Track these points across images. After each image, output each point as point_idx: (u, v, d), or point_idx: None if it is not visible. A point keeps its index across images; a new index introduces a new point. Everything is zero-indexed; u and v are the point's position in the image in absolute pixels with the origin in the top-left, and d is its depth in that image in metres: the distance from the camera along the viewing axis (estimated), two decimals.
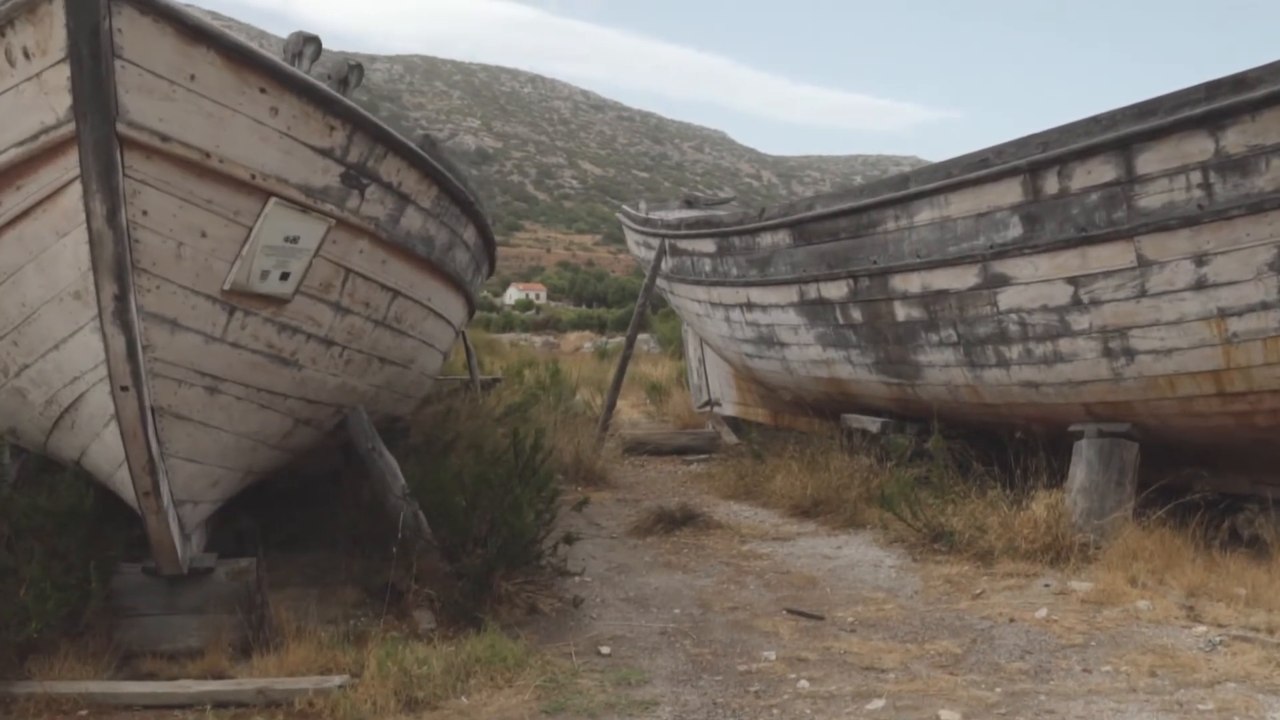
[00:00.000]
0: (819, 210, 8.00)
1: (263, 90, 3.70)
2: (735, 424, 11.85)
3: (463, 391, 10.77)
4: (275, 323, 4.29)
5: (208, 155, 3.62)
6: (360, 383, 5.34)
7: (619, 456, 10.52)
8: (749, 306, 9.38)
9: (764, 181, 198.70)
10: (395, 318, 5.27)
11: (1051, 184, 5.97)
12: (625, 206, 13.55)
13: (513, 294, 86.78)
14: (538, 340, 37.97)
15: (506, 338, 36.07)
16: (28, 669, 4.10)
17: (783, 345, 9.11)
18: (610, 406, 11.60)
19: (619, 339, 32.59)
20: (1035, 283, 6.22)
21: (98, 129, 3.26)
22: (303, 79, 3.84)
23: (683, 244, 10.52)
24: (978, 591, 5.53)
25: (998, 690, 4.08)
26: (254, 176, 3.79)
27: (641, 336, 34.69)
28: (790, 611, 5.31)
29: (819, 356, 8.60)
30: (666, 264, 11.11)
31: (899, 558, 6.37)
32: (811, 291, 8.28)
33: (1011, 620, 5.01)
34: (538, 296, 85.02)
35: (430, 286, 5.61)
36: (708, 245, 9.89)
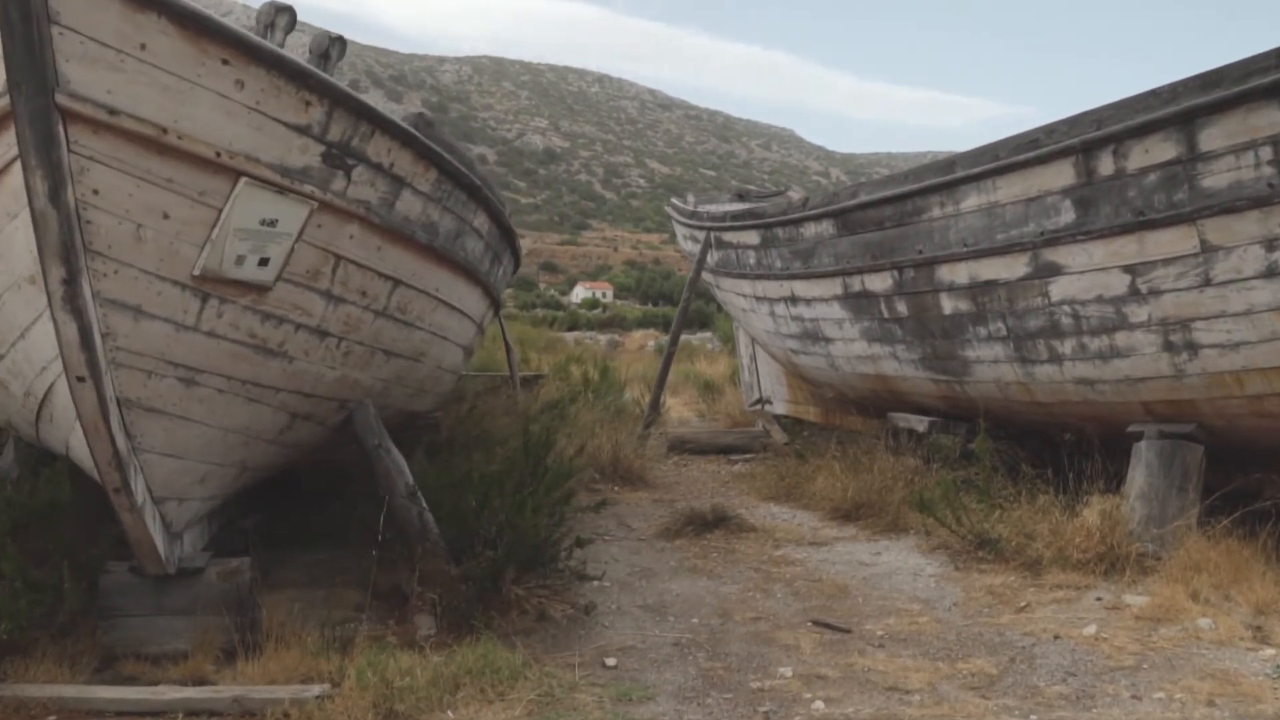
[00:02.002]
0: (862, 198, 7.61)
1: (225, 62, 3.46)
2: (786, 423, 11.47)
3: (503, 388, 10.59)
4: (257, 311, 4.06)
5: (164, 131, 3.38)
6: (364, 376, 5.11)
7: (662, 455, 10.22)
8: (793, 300, 9.01)
9: (833, 179, 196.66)
10: (398, 308, 5.02)
11: (1106, 164, 5.51)
12: (674, 199, 13.23)
13: (579, 292, 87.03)
14: (603, 338, 38.09)
15: (572, 336, 36.14)
16: (3, 671, 3.95)
17: (827, 340, 8.72)
18: (654, 404, 11.29)
19: (682, 337, 32.23)
20: (1089, 272, 5.76)
21: (33, 100, 3.03)
22: (270, 50, 3.59)
23: (727, 236, 10.18)
24: (1022, 604, 5.11)
25: (1032, 718, 3.69)
26: (220, 154, 3.55)
27: (704, 334, 34.43)
28: (816, 623, 4.96)
29: (864, 352, 8.19)
30: (712, 257, 10.78)
31: (940, 566, 5.96)
32: (855, 284, 7.88)
33: (1056, 637, 4.59)
34: (604, 295, 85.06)
35: (437, 276, 5.35)
36: (751, 237, 9.54)
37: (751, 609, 5.23)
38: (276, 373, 4.37)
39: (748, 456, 10.55)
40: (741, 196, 13.37)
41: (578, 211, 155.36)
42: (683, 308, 11.84)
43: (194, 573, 4.34)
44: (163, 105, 3.36)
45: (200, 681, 4.03)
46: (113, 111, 3.25)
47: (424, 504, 5.16)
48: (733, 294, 10.75)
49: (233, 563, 4.44)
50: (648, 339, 37.63)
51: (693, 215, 11.55)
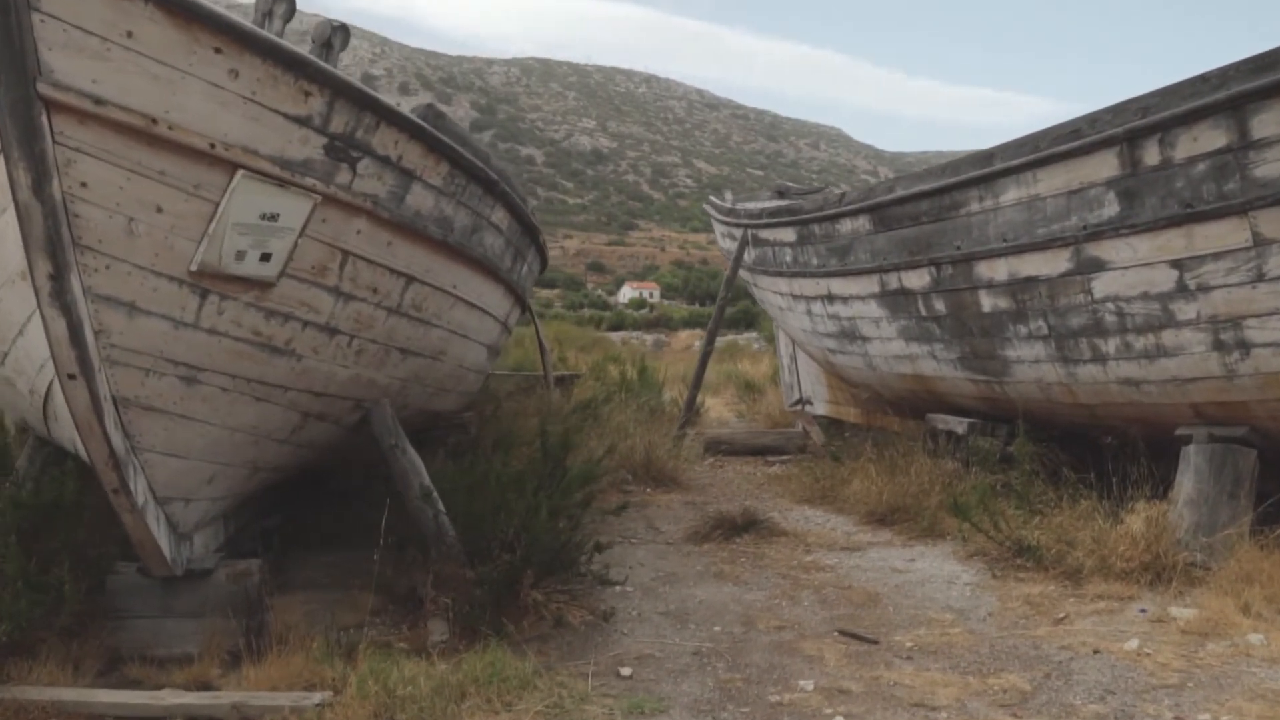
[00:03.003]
0: (899, 193, 7.37)
1: (218, 50, 3.35)
2: (825, 424, 11.23)
3: (537, 388, 10.48)
4: (260, 308, 3.96)
5: (154, 121, 3.28)
6: (379, 375, 5.00)
7: (697, 456, 10.05)
8: (830, 298, 8.79)
9: (881, 178, 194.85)
10: (413, 305, 4.91)
11: (1152, 154, 5.25)
12: (711, 197, 13.04)
13: (626, 292, 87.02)
14: (649, 338, 38.09)
15: (618, 335, 36.13)
16: (6, 673, 3.90)
17: (864, 340, 8.49)
18: (689, 405, 11.13)
19: (729, 336, 32.17)
20: (1134, 267, 5.50)
21: (14, 89, 2.95)
22: (265, 38, 3.47)
23: (764, 233, 9.98)
24: (1060, 615, 4.87)
25: None
26: (214, 146, 3.44)
27: (749, 334, 34.14)
28: (842, 633, 4.76)
29: (901, 351, 7.96)
30: (749, 255, 10.59)
31: (977, 573, 5.72)
32: (893, 281, 7.65)
33: (1095, 651, 4.35)
34: (651, 295, 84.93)
35: (454, 272, 5.23)
36: (788, 234, 9.34)
37: (776, 617, 5.04)
38: (284, 371, 4.27)
39: (785, 458, 10.34)
40: (782, 194, 13.16)
41: (625, 212, 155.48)
42: (719, 307, 11.66)
43: (203, 574, 4.26)
44: (152, 95, 3.26)
45: (204, 686, 3.95)
46: (99, 101, 3.15)
47: (440, 505, 5.05)
48: (770, 292, 10.54)
49: (241, 564, 4.36)
50: (693, 339, 37.62)
51: (730, 213, 11.37)
